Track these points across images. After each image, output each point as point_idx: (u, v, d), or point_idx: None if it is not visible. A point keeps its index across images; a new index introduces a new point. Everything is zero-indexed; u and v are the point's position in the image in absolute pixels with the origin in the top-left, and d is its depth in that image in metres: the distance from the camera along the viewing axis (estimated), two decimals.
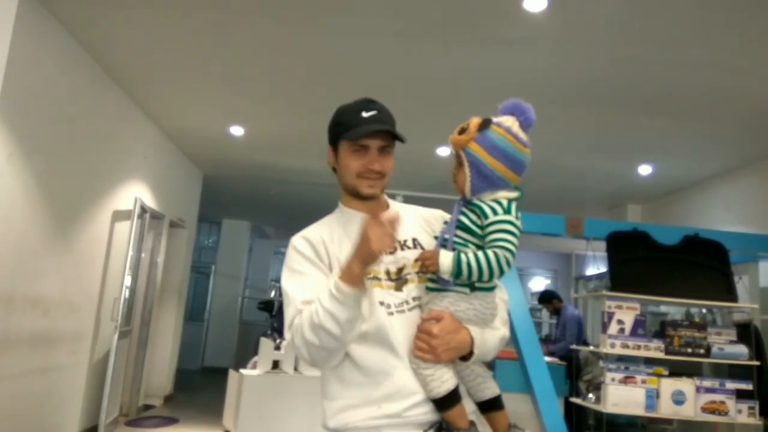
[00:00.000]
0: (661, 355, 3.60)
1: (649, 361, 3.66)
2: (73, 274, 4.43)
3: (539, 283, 12.83)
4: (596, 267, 5.68)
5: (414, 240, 1.49)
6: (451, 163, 1.44)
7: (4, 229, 3.46)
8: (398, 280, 1.43)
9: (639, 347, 3.60)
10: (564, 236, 3.99)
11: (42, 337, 4.04)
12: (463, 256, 1.32)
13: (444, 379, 1.34)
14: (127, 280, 5.24)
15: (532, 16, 3.32)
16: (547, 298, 6.73)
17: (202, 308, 10.79)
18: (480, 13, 3.39)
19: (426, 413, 1.35)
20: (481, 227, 1.36)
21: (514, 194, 1.40)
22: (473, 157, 1.36)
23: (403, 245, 1.47)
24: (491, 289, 1.41)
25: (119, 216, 5.16)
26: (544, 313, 10.72)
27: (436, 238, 1.45)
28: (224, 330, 10.55)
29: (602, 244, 3.85)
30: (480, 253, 1.32)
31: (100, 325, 4.93)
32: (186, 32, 3.88)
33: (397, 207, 1.56)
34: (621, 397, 3.56)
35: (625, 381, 3.58)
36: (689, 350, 3.64)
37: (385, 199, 1.56)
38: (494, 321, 1.45)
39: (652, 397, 3.56)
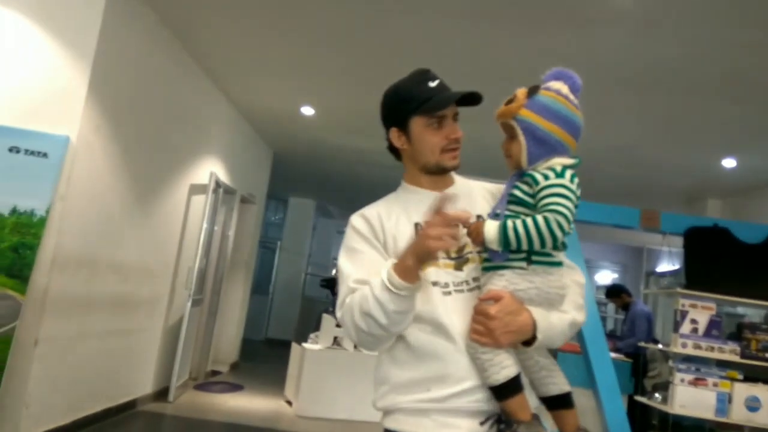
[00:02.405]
0: (736, 358, 3.44)
1: (722, 364, 3.51)
2: (151, 243, 4.67)
3: (606, 276, 12.45)
4: (671, 263, 5.46)
5: (479, 217, 1.38)
6: (500, 139, 1.36)
7: (90, 198, 3.69)
8: (459, 258, 1.34)
9: (713, 349, 3.45)
10: (637, 229, 3.85)
11: (121, 301, 4.30)
12: (509, 222, 1.23)
13: (504, 365, 1.24)
14: (201, 251, 5.47)
15: None
16: (616, 292, 6.52)
17: (267, 282, 11.13)
18: None
19: (479, 401, 1.26)
20: (533, 196, 1.26)
21: (569, 161, 1.29)
22: (526, 123, 1.28)
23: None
24: (555, 264, 1.28)
25: (195, 190, 5.39)
26: (610, 308, 10.44)
27: (489, 215, 1.36)
28: (287, 304, 10.87)
29: (678, 240, 3.69)
30: (528, 219, 1.22)
31: (174, 293, 5.19)
32: (264, 15, 3.97)
33: (461, 181, 1.48)
34: (690, 398, 3.44)
35: (696, 383, 3.45)
36: (767, 355, 3.46)
37: (451, 174, 1.47)
38: (563, 303, 1.32)
39: (724, 401, 3.41)
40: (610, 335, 6.95)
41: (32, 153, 3.24)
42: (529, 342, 1.26)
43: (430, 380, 1.28)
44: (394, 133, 1.43)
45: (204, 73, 5.19)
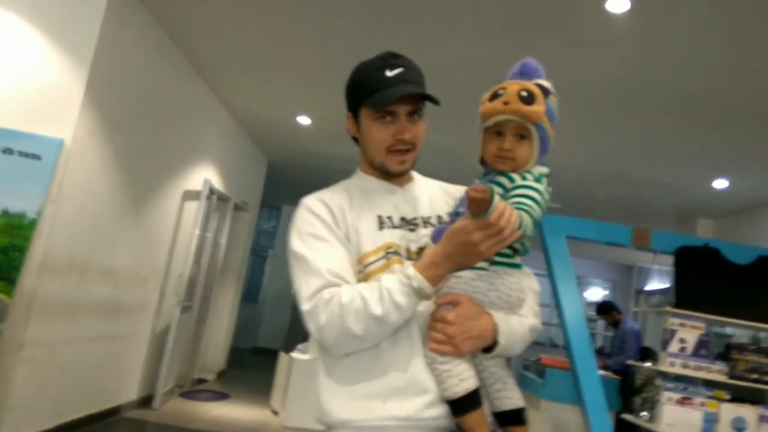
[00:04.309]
0: (723, 378, 3.44)
1: (710, 384, 3.51)
2: (142, 248, 4.65)
3: (596, 293, 12.48)
4: (661, 281, 5.48)
5: (438, 218, 1.30)
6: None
7: (83, 201, 3.67)
8: (419, 258, 1.22)
9: (700, 368, 3.46)
10: (629, 247, 3.87)
11: (110, 305, 4.26)
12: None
13: (463, 377, 1.14)
14: (192, 258, 5.44)
15: (613, 17, 3.23)
16: (606, 309, 6.54)
17: (257, 290, 11.09)
18: (560, 12, 3.33)
19: (439, 417, 1.16)
20: (504, 195, 1.17)
21: (546, 169, 1.23)
22: (543, 131, 1.20)
23: (426, 222, 1.29)
24: (515, 266, 1.21)
25: (188, 196, 5.37)
26: (599, 324, 10.45)
27: (449, 214, 1.27)
28: (277, 313, 10.81)
29: (669, 258, 3.71)
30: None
31: (164, 299, 5.15)
32: (262, 24, 3.99)
33: (421, 180, 1.39)
34: (677, 417, 3.44)
35: (683, 402, 3.45)
36: (755, 376, 3.47)
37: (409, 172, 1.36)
38: (522, 308, 1.24)
39: (710, 421, 3.41)
40: (599, 352, 6.95)
41: (26, 155, 3.22)
42: (489, 348, 1.18)
43: (388, 391, 1.16)
44: (349, 118, 1.33)
45: (201, 80, 5.19)
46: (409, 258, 1.24)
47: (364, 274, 1.22)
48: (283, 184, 9.17)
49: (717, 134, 4.70)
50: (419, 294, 1.13)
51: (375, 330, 1.14)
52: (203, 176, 5.57)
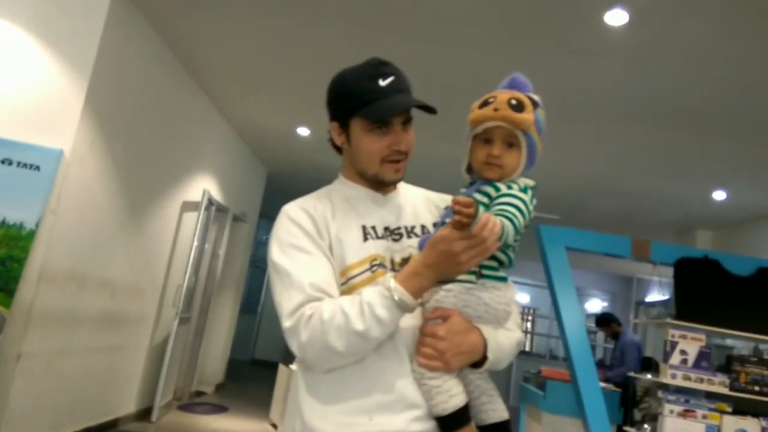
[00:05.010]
0: (725, 390, 3.42)
1: (711, 396, 3.49)
2: (141, 260, 4.63)
3: (595, 305, 12.46)
4: (661, 293, 5.47)
5: (423, 227, 1.28)
6: (470, 143, 1.24)
7: (81, 212, 3.66)
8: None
9: (702, 380, 3.44)
10: (628, 258, 3.86)
11: (108, 317, 4.24)
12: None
13: (453, 393, 1.13)
14: (191, 269, 5.43)
15: (611, 29, 3.25)
16: (606, 321, 6.52)
17: (256, 302, 11.05)
18: (559, 24, 3.35)
19: None
20: (489, 204, 1.17)
21: (532, 182, 1.22)
22: (532, 140, 1.21)
23: (410, 232, 1.26)
24: (502, 279, 1.20)
25: (187, 207, 5.37)
26: (599, 336, 10.42)
27: (434, 224, 1.26)
28: (276, 324, 10.58)
29: (668, 270, 3.70)
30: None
31: (162, 311, 5.13)
32: (262, 36, 4.01)
33: (404, 188, 1.35)
34: (678, 430, 3.41)
35: (685, 414, 3.43)
36: (756, 388, 3.45)
37: None
38: (508, 321, 1.23)
39: None
40: (599, 364, 6.93)
41: (25, 165, 3.22)
42: (478, 363, 1.17)
43: (374, 406, 1.13)
44: (334, 128, 1.28)
45: (201, 91, 5.21)
46: (394, 269, 1.21)
47: (347, 286, 1.18)
48: (282, 196, 9.12)
49: (716, 146, 4.71)
50: (401, 307, 1.10)
51: (357, 346, 1.11)
52: (202, 187, 5.57)
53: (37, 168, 3.23)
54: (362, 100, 1.20)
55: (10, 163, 3.21)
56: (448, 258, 1.07)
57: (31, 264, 3.21)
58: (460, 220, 1.03)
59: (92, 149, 3.65)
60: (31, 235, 3.17)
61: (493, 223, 1.05)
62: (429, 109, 1.22)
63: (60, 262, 3.50)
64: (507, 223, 1.11)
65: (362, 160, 1.25)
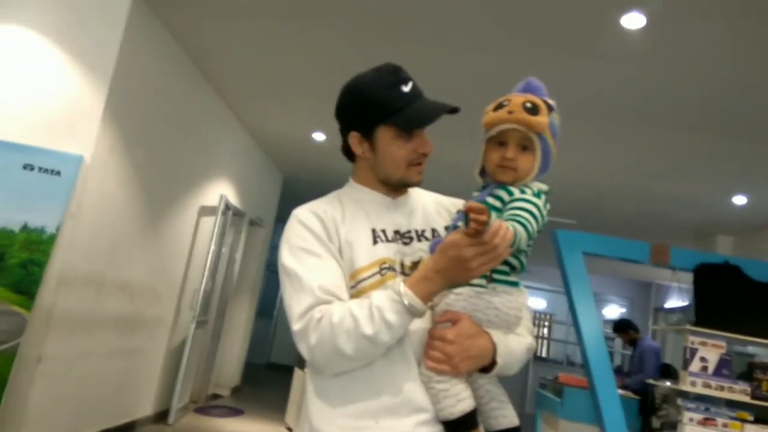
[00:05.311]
0: (746, 398, 3.36)
1: (732, 404, 3.43)
2: (159, 264, 4.68)
3: (613, 311, 12.32)
4: (680, 299, 5.40)
5: (433, 231, 1.28)
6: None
7: (102, 216, 3.71)
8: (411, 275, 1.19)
9: (722, 388, 3.38)
10: (647, 264, 3.81)
11: (126, 320, 4.29)
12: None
13: (461, 397, 1.12)
14: (207, 273, 5.47)
15: (628, 33, 3.23)
16: (623, 327, 6.44)
17: (272, 305, 11.09)
18: (576, 28, 3.33)
19: None
20: (502, 208, 1.17)
21: (546, 187, 1.22)
22: (546, 144, 1.20)
23: (421, 236, 1.26)
24: (513, 284, 1.19)
25: (205, 211, 5.42)
26: (617, 343, 10.30)
27: (446, 228, 1.25)
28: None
29: (688, 276, 3.65)
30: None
31: (179, 314, 5.17)
32: (278, 43, 4.04)
33: (415, 191, 1.35)
34: None
35: (705, 423, 3.37)
36: None
37: None
38: (519, 326, 1.23)
39: None
40: (617, 371, 6.84)
41: (46, 171, 3.28)
42: (487, 368, 1.16)
43: (380, 410, 1.13)
44: (354, 138, 1.27)
45: (218, 97, 5.26)
46: (404, 273, 1.20)
47: (356, 290, 1.18)
48: (298, 200, 9.13)
49: (736, 150, 4.65)
50: (411, 312, 1.09)
51: (366, 350, 1.10)
52: (219, 192, 5.62)
53: (58, 173, 3.29)
54: (390, 108, 1.20)
55: (32, 169, 3.27)
56: (459, 264, 1.06)
57: (51, 268, 3.26)
58: (474, 228, 1.02)
59: (111, 154, 3.70)
60: (52, 239, 3.22)
61: (505, 230, 1.04)
62: (453, 110, 1.23)
63: (79, 266, 3.55)
64: (520, 228, 1.10)
65: (388, 167, 1.25)
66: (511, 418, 1.20)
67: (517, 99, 1.20)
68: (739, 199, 5.73)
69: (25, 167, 3.26)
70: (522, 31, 3.46)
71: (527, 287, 1.33)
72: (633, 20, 3.10)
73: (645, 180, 5.75)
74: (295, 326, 1.14)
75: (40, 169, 3.27)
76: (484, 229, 1.02)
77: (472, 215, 1.02)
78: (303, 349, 1.14)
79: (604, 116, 4.39)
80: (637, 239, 3.99)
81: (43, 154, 3.29)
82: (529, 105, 1.18)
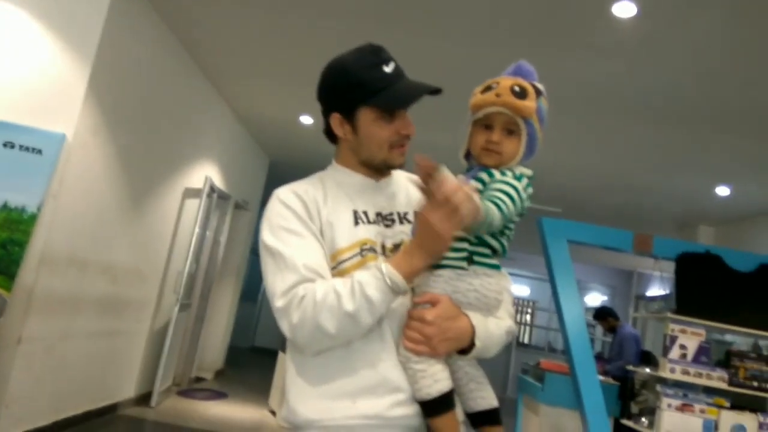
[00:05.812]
0: (723, 385, 3.43)
1: (710, 391, 3.50)
2: (143, 246, 4.64)
3: (595, 298, 12.47)
4: (662, 288, 5.47)
5: (415, 212, 1.25)
6: (468, 128, 1.24)
7: (85, 198, 3.66)
8: (394, 253, 1.20)
9: (701, 375, 3.44)
10: (630, 253, 3.85)
11: (109, 302, 4.25)
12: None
13: (438, 378, 1.13)
14: (192, 256, 5.43)
15: (619, 22, 3.22)
16: (603, 315, 6.53)
17: (256, 289, 11.06)
18: (565, 16, 3.32)
19: (408, 416, 1.14)
20: (484, 189, 1.17)
21: (529, 171, 1.21)
22: (533, 129, 1.19)
23: (403, 218, 1.27)
24: (494, 267, 1.19)
25: (189, 193, 5.36)
26: (598, 330, 10.44)
27: None
28: None
29: (670, 265, 3.70)
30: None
31: (162, 296, 5.14)
32: (266, 23, 3.98)
33: (399, 174, 1.34)
34: (676, 424, 3.42)
35: (683, 408, 3.43)
36: (755, 384, 3.45)
37: None
38: (499, 309, 1.23)
39: (710, 428, 3.40)
40: (598, 357, 6.94)
41: (27, 149, 3.22)
42: (465, 350, 1.17)
43: (357, 390, 1.13)
44: (335, 119, 1.26)
45: (204, 78, 5.19)
46: (385, 254, 1.20)
47: (337, 270, 1.18)
48: (284, 184, 9.18)
49: (720, 141, 4.69)
50: (392, 289, 1.10)
51: (348, 327, 1.10)
52: (204, 174, 5.57)
53: (39, 152, 3.23)
54: (372, 88, 1.18)
55: (12, 147, 3.21)
56: (429, 231, 1.08)
57: (32, 248, 3.22)
58: (424, 175, 1.06)
59: (94, 134, 3.64)
60: (33, 218, 3.17)
61: (466, 192, 1.05)
62: (435, 92, 1.22)
63: (61, 247, 3.50)
64: (492, 207, 1.10)
65: (371, 148, 1.24)
66: (490, 400, 1.21)
67: (506, 82, 1.19)
68: (723, 190, 5.80)
69: (5, 145, 3.20)
70: (510, 20, 3.44)
71: (511, 274, 1.33)
72: (624, 8, 3.10)
73: (630, 170, 5.80)
74: (278, 303, 1.13)
75: (20, 147, 3.21)
76: (433, 177, 1.05)
77: (420, 161, 1.06)
78: (284, 327, 1.13)
79: (591, 106, 4.40)
80: (620, 228, 4.03)
81: (24, 132, 3.23)
82: (517, 89, 1.17)
